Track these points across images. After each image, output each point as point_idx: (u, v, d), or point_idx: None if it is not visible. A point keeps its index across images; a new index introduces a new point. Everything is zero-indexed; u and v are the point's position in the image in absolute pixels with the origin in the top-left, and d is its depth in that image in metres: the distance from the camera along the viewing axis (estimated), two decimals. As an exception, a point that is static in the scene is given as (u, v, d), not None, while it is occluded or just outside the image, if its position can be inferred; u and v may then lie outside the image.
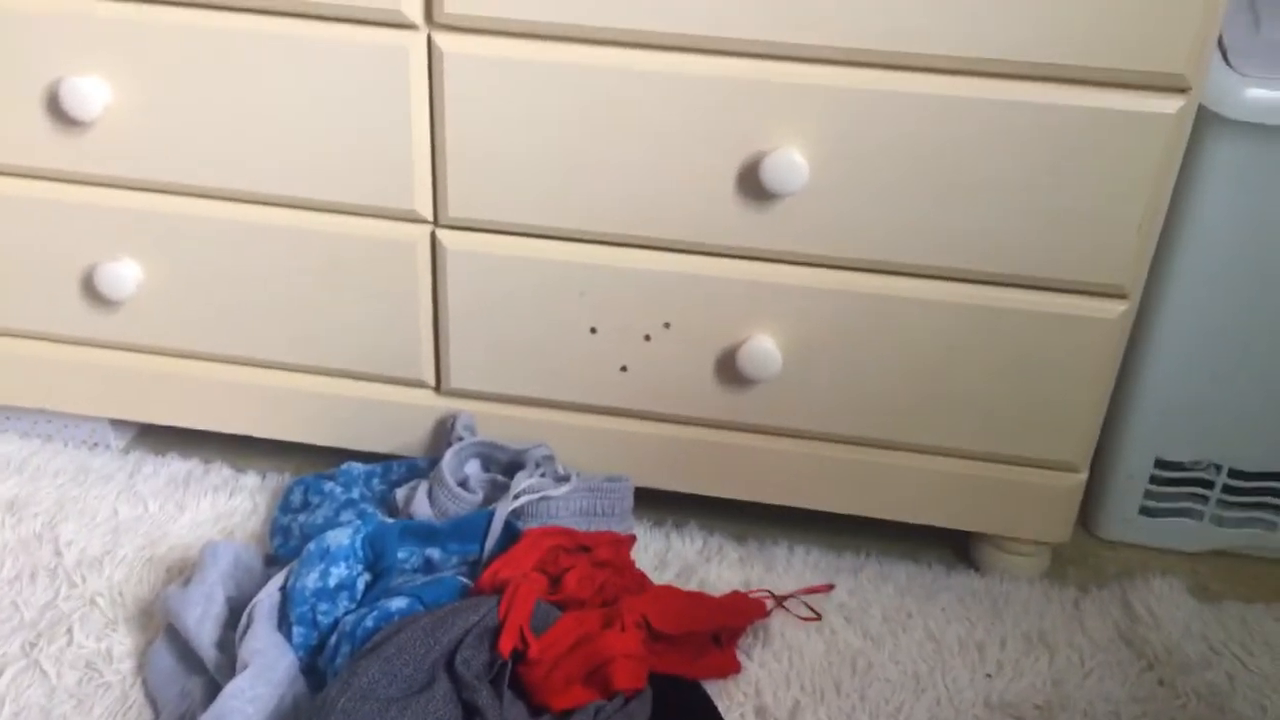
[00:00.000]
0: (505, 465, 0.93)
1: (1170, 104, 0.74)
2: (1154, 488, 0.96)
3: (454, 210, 0.86)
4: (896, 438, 0.89)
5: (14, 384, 1.01)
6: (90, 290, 0.94)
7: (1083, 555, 0.98)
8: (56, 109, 0.86)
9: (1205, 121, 0.80)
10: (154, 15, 0.82)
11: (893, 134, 0.77)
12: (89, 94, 0.84)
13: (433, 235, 0.88)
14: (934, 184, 0.79)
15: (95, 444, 1.06)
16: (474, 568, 0.84)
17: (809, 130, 0.78)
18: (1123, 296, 0.82)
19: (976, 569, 0.96)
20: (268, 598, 0.79)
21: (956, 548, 0.98)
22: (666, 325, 0.88)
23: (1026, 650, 0.87)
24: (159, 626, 0.85)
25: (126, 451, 1.06)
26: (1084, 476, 0.90)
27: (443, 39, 0.80)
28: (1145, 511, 0.98)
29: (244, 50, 0.82)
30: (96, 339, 0.97)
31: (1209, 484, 0.96)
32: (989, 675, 0.85)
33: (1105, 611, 0.91)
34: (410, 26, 0.80)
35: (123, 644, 0.85)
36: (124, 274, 0.92)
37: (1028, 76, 0.75)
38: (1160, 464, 0.95)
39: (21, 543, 0.93)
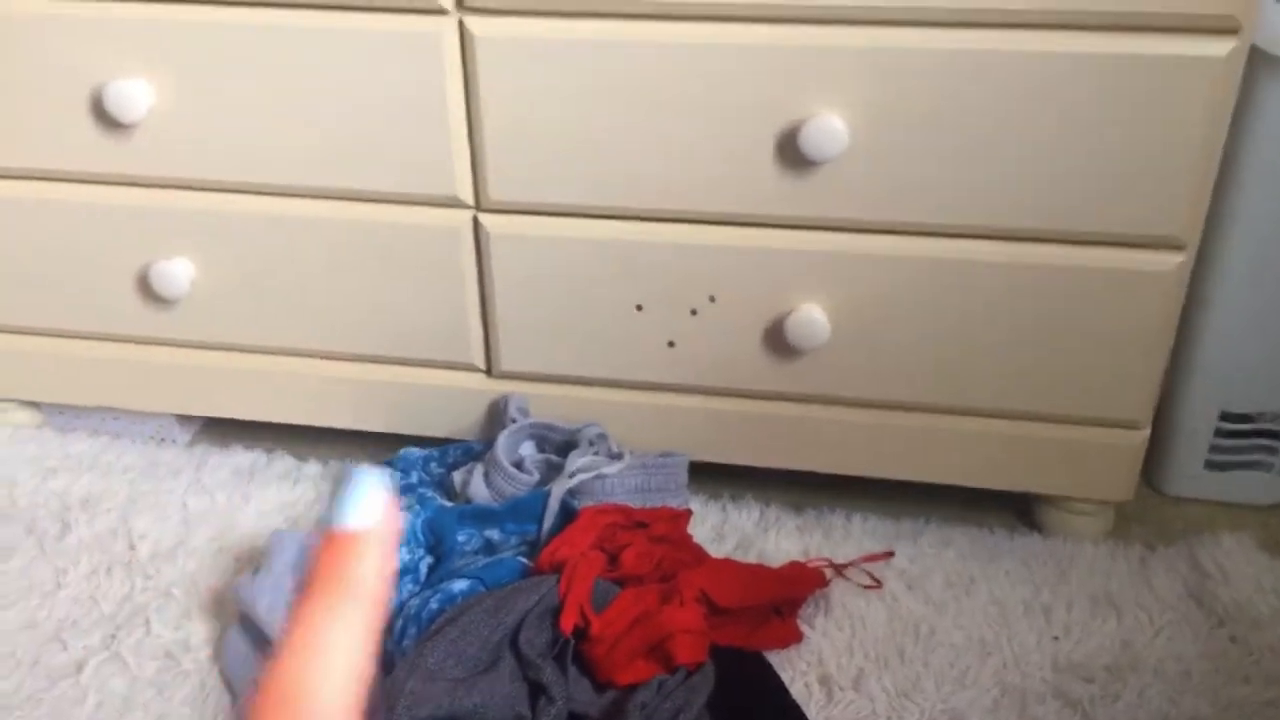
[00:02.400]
0: (559, 445, 0.94)
1: (1221, 46, 0.72)
2: (1220, 441, 0.94)
3: (495, 194, 0.86)
4: (951, 401, 0.88)
5: (81, 384, 1.04)
6: (146, 289, 0.96)
7: (1148, 513, 0.97)
8: (102, 113, 0.87)
9: (1258, 63, 0.77)
10: (191, 15, 0.83)
11: (932, 93, 0.76)
12: (133, 96, 0.85)
13: (475, 220, 0.88)
14: (978, 142, 0.77)
15: (162, 439, 1.09)
16: (533, 547, 0.85)
17: (847, 94, 0.77)
18: (1179, 248, 0.79)
19: (1039, 531, 0.94)
20: (333, 584, 0.80)
21: (1018, 510, 0.96)
22: (712, 299, 0.87)
23: (1093, 611, 0.86)
24: (232, 615, 0.88)
25: (192, 445, 1.08)
26: (1146, 433, 0.88)
27: (474, 22, 0.80)
28: (1211, 466, 0.95)
29: (280, 45, 0.83)
30: (156, 337, 1.00)
31: (1277, 435, 0.93)
32: (1056, 638, 0.84)
33: (1173, 569, 0.89)
34: (441, 12, 0.80)
35: (198, 633, 0.87)
36: (178, 272, 0.94)
37: (1069, 26, 0.73)
38: (1225, 416, 0.93)
39: (97, 538, 0.96)
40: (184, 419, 1.09)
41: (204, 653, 0.86)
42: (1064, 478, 0.90)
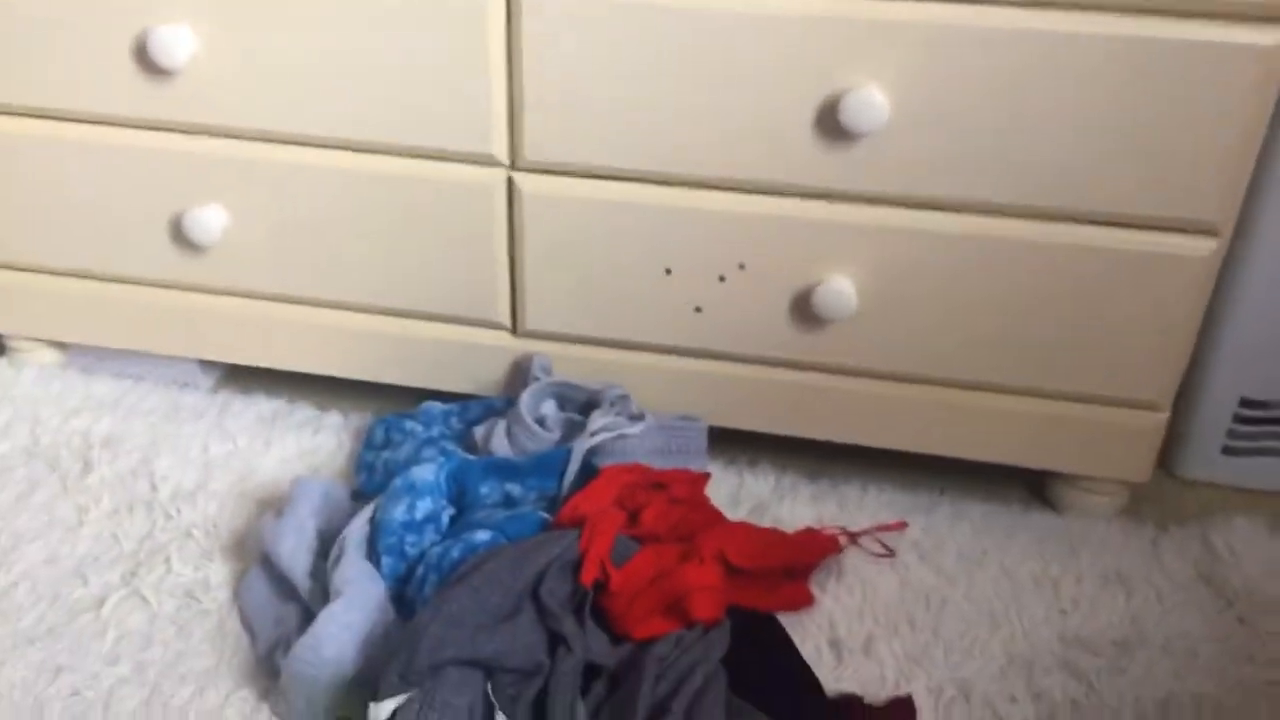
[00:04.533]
0: (581, 404, 0.95)
1: (1268, 36, 0.72)
2: (1237, 426, 0.95)
3: (530, 153, 0.87)
4: (973, 377, 0.89)
5: (107, 326, 1.05)
6: (179, 235, 0.97)
7: (1162, 495, 0.98)
8: (144, 58, 0.88)
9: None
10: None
11: (974, 69, 0.76)
12: (175, 43, 0.86)
13: (509, 179, 0.89)
14: (1018, 120, 0.77)
15: (185, 384, 1.09)
16: (552, 503, 0.86)
17: (889, 67, 0.77)
18: (1213, 234, 0.80)
19: (1053, 508, 0.95)
20: (358, 529, 0.82)
21: (1033, 486, 0.97)
22: (741, 266, 0.88)
23: (1103, 588, 0.87)
24: (252, 557, 0.89)
25: (215, 391, 1.09)
26: (1166, 415, 0.89)
27: (520, -21, 0.80)
28: (1228, 451, 0.96)
29: (324, -6, 0.83)
30: (185, 282, 1.00)
31: (1294, 424, 0.94)
32: (1064, 612, 0.85)
33: (1184, 550, 0.90)
34: (487, -33, 0.80)
35: (218, 573, 0.88)
36: (211, 219, 0.94)
37: (1115, 8, 0.73)
38: (1245, 402, 0.94)
39: (118, 477, 0.98)
40: (207, 365, 1.10)
41: (223, 592, 0.87)
42: (1081, 457, 0.91)
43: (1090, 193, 0.79)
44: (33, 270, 1.03)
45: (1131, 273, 0.82)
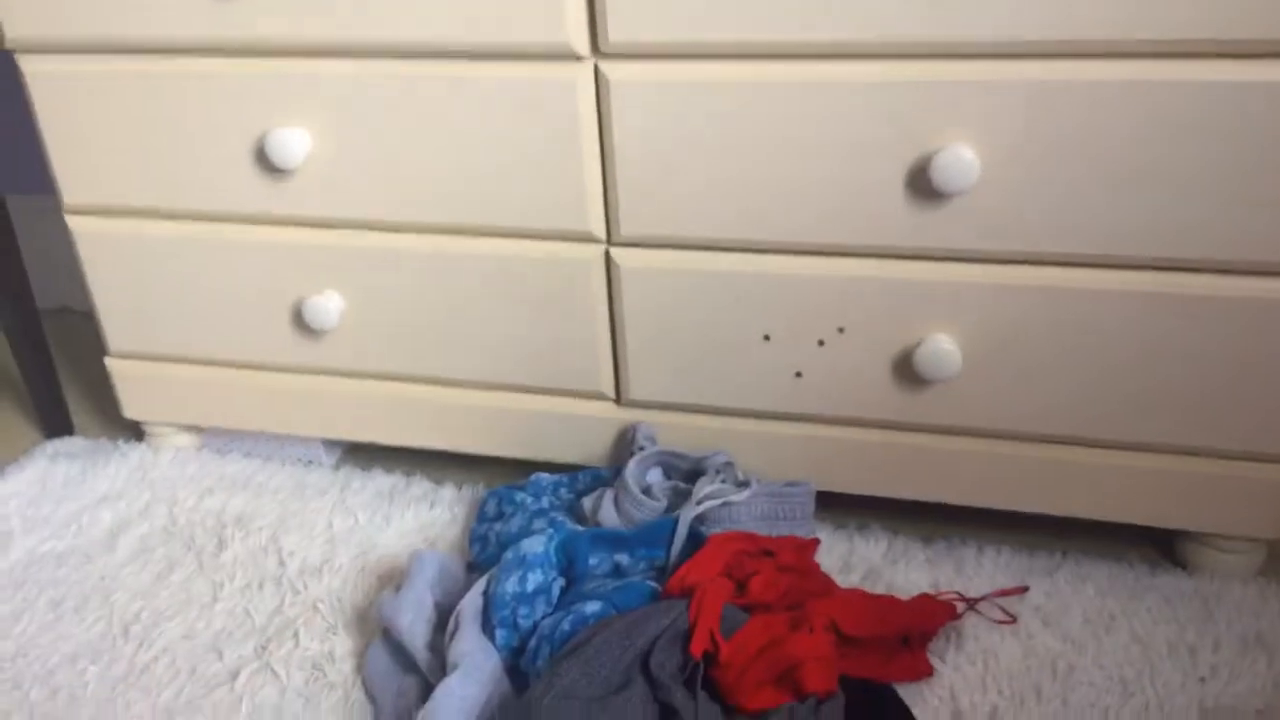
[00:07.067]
0: (686, 473, 0.95)
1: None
2: (1383, 478, 0.89)
3: (626, 229, 0.89)
4: (1090, 434, 0.86)
5: (238, 409, 1.11)
6: (299, 322, 1.02)
7: (1303, 552, 0.92)
8: (263, 159, 0.94)
9: None
10: (349, 69, 0.89)
11: (1066, 123, 0.75)
12: (292, 144, 0.92)
13: (606, 254, 0.91)
14: (1116, 172, 0.76)
15: (309, 462, 1.14)
16: (661, 572, 0.86)
17: (979, 126, 0.77)
18: (1336, 275, 0.77)
19: (1183, 568, 0.91)
20: (472, 602, 0.83)
21: (1160, 545, 0.93)
22: (840, 330, 0.88)
23: (1243, 652, 0.82)
24: (374, 630, 0.92)
25: (336, 468, 1.14)
26: (1300, 468, 0.84)
27: (609, 67, 0.83)
28: (1374, 504, 0.90)
29: (429, 93, 0.88)
30: (306, 366, 1.06)
31: None
32: (1203, 679, 0.81)
33: (1332, 612, 0.85)
34: (577, 58, 0.84)
35: (343, 646, 0.91)
36: (328, 306, 0.99)
37: (1211, 54, 0.71)
38: (1389, 452, 0.88)
39: (250, 554, 1.02)
40: (330, 443, 1.14)
41: (348, 665, 0.90)
42: (1212, 514, 0.87)
43: (1198, 241, 0.77)
44: (168, 360, 1.10)
45: (1252, 321, 0.78)
